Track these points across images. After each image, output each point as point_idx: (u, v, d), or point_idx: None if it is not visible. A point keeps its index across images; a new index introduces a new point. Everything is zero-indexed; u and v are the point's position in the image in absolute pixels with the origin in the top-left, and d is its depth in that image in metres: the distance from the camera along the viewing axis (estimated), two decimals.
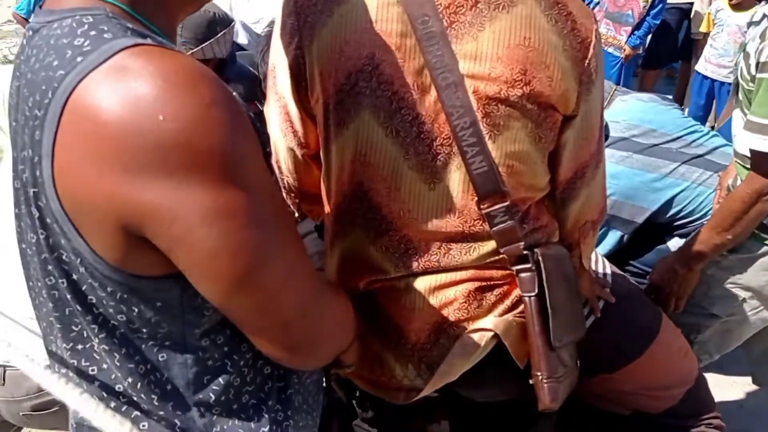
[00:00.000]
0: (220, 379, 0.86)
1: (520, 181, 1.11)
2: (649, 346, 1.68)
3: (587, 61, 1.09)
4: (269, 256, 0.75)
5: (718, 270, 1.90)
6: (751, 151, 1.66)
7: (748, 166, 1.73)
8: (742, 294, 1.90)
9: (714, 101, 4.49)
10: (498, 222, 1.10)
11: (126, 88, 0.66)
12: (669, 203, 2.06)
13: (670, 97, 2.38)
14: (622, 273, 1.86)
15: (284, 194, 1.33)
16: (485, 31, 1.03)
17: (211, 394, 0.86)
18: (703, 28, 4.82)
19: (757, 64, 1.63)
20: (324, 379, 1.22)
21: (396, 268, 1.15)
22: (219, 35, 2.12)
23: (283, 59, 1.10)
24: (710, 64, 4.46)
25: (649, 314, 1.77)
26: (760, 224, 1.77)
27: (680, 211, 2.05)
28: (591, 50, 1.09)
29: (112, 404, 0.84)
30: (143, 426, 0.85)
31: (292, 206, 1.36)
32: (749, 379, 2.46)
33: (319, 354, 0.89)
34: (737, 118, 1.79)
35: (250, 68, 2.41)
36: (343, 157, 1.11)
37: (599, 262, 1.79)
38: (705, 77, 4.51)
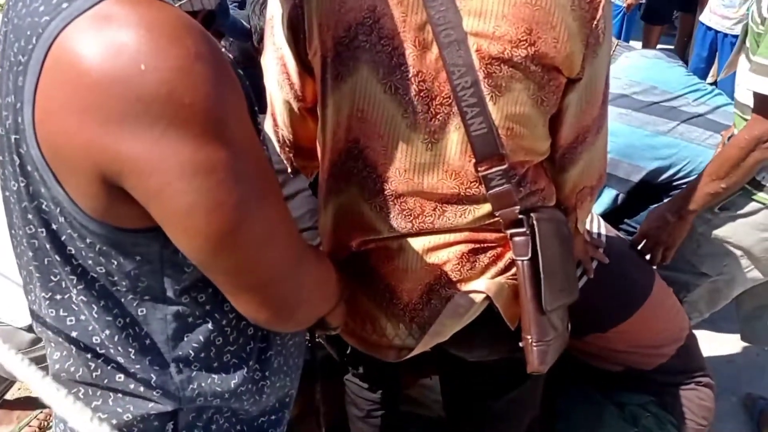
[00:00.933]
0: (200, 336, 0.86)
1: (519, 144, 1.09)
2: (641, 305, 1.70)
3: (595, 23, 1.04)
4: (249, 216, 0.74)
5: (708, 228, 1.90)
6: (755, 94, 1.63)
7: (748, 117, 1.71)
8: (732, 253, 1.90)
9: (717, 54, 4.42)
10: (494, 185, 1.08)
11: (109, 36, 0.65)
12: (666, 163, 2.05)
13: (675, 54, 2.33)
14: (616, 233, 1.86)
15: (278, 148, 1.32)
16: None
17: (190, 351, 0.86)
18: None
19: None
20: (309, 339, 1.24)
21: (390, 229, 1.14)
22: None
23: (281, 10, 1.07)
24: (715, 15, 4.37)
25: (642, 274, 1.78)
26: (752, 180, 1.75)
27: (678, 171, 2.04)
28: (600, 11, 1.04)
29: (89, 355, 0.85)
30: (119, 378, 0.86)
31: (285, 161, 1.35)
32: (738, 336, 2.50)
33: (298, 317, 0.89)
34: (742, 65, 1.76)
35: (244, 23, 2.35)
36: (340, 112, 1.09)
37: (594, 222, 1.79)
38: (709, 28, 4.41)
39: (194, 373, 0.87)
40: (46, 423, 2.26)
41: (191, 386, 0.88)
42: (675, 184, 2.06)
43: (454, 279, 1.15)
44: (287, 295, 0.84)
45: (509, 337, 1.19)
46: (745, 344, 2.56)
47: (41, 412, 2.26)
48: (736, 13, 4.23)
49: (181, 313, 0.85)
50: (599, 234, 1.76)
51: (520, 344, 1.18)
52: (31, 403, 2.31)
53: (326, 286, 0.94)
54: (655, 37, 5.47)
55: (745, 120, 1.72)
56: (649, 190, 2.10)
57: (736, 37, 4.25)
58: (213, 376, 0.89)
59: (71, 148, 0.68)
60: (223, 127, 0.70)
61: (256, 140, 0.78)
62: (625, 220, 2.16)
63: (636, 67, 2.12)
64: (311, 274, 0.88)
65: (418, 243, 1.15)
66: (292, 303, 0.85)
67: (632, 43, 4.63)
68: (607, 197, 2.15)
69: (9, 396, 2.15)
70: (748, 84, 1.64)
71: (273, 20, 1.12)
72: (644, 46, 4.97)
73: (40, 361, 1.66)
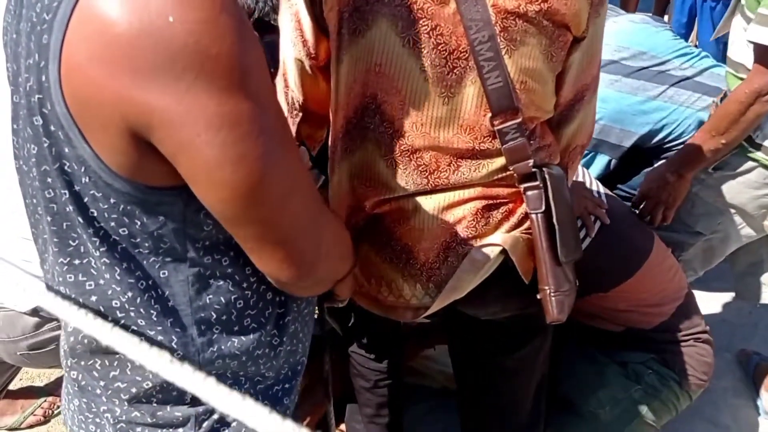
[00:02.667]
0: (222, 298, 0.87)
1: (531, 99, 1.12)
2: (642, 265, 1.74)
3: None
4: (273, 168, 0.75)
5: (702, 188, 1.93)
6: (756, 45, 1.63)
7: (742, 76, 1.72)
8: (726, 211, 1.94)
9: (696, 19, 4.45)
10: (509, 139, 1.11)
11: None
12: (657, 126, 2.07)
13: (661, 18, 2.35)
14: (613, 195, 1.89)
15: (287, 113, 1.32)
16: None
17: (212, 313, 0.87)
18: None
19: None
20: (318, 311, 1.25)
21: (405, 185, 1.16)
22: None
23: None
24: None
25: (642, 234, 1.81)
26: (746, 138, 1.78)
27: (669, 134, 2.07)
28: None
29: (109, 319, 0.85)
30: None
31: (293, 128, 1.35)
32: (731, 295, 2.55)
33: (318, 273, 0.89)
34: (737, 24, 1.77)
35: None
36: (357, 67, 1.10)
37: (593, 183, 1.81)
38: None
39: (215, 335, 0.89)
40: (50, 411, 2.26)
41: (211, 348, 0.88)
42: (666, 146, 2.08)
43: (470, 235, 1.18)
44: (309, 250, 0.85)
45: (521, 292, 1.22)
46: (738, 303, 2.63)
47: (45, 400, 2.27)
48: None
49: (202, 275, 0.85)
50: (599, 193, 1.79)
51: (538, 296, 1.20)
52: (35, 392, 2.31)
53: (343, 243, 0.96)
54: (632, 5, 5.49)
55: (740, 79, 1.74)
56: (641, 155, 2.13)
57: (715, 1, 4.27)
58: (233, 338, 0.90)
59: (99, 101, 0.69)
60: (248, 79, 0.71)
61: (276, 94, 0.79)
62: (619, 186, 2.19)
63: (624, 32, 2.13)
64: (330, 229, 0.90)
65: (432, 202, 1.17)
66: (313, 258, 0.86)
67: None
68: (600, 163, 2.18)
69: (12, 386, 2.14)
70: (748, 35, 1.64)
71: None
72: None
73: (44, 345, 1.68)
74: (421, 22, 1.04)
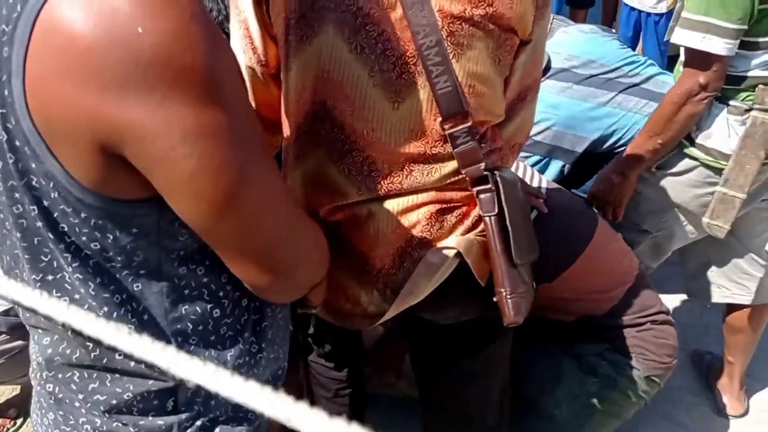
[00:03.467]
0: (197, 308, 0.86)
1: (480, 102, 1.13)
2: (583, 250, 1.75)
3: None
4: (251, 177, 0.74)
5: (646, 187, 1.98)
6: (684, 48, 1.70)
7: None
8: (670, 209, 1.99)
9: (641, 33, 4.59)
10: (461, 143, 1.11)
11: (102, 0, 0.63)
12: (607, 132, 2.13)
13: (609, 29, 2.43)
14: (559, 187, 1.92)
15: None
16: None
17: (188, 323, 0.85)
18: None
19: None
20: (292, 316, 1.23)
21: (358, 191, 1.15)
22: None
23: None
24: None
25: (583, 221, 1.83)
26: (687, 138, 1.83)
27: (619, 139, 2.13)
28: None
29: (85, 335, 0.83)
30: (118, 356, 0.84)
31: None
32: (682, 296, 2.61)
33: (297, 279, 0.89)
34: None
35: None
36: (305, 74, 1.10)
37: (535, 178, 1.85)
38: (632, 9, 4.58)
39: (192, 347, 0.87)
40: None
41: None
42: (617, 151, 2.14)
43: (425, 240, 1.18)
44: (287, 256, 0.84)
45: (479, 296, 1.22)
46: (690, 304, 2.69)
47: None
48: None
49: (177, 285, 0.83)
50: (539, 187, 1.83)
51: (494, 299, 1.21)
52: None
53: (320, 248, 0.95)
54: (580, 20, 5.64)
55: None
56: (593, 160, 2.18)
57: (659, 15, 4.42)
58: (210, 350, 0.88)
59: (67, 117, 0.66)
60: (221, 88, 0.69)
61: (248, 102, 0.78)
62: (573, 190, 2.24)
63: (574, 42, 2.20)
64: (307, 234, 0.89)
65: (386, 207, 1.16)
66: (291, 264, 0.86)
67: None
68: (554, 169, 2.22)
69: None
70: (673, 38, 1.70)
71: None
72: None
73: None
74: (367, 27, 1.04)
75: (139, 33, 0.62)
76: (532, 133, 1.82)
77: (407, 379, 2.07)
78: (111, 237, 0.77)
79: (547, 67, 2.06)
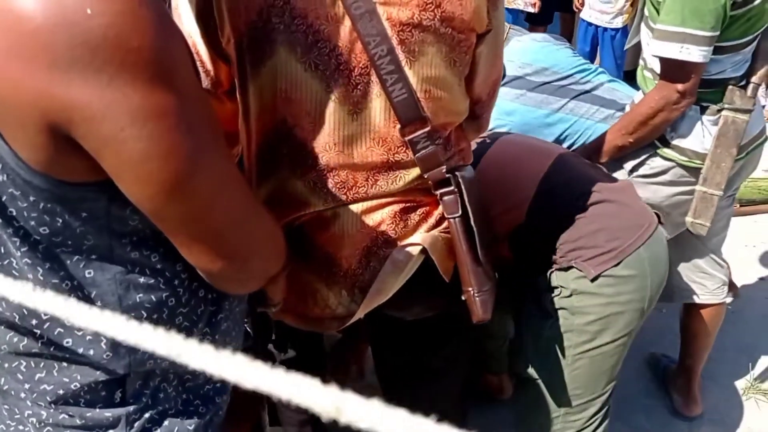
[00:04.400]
0: (152, 296, 0.85)
1: (439, 105, 1.14)
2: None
3: None
4: (201, 162, 0.74)
5: None
6: (660, 58, 1.75)
7: (656, 81, 1.83)
8: None
9: (598, 47, 4.69)
10: (420, 148, 1.12)
11: None
12: (560, 137, 2.17)
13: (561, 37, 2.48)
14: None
15: None
16: None
17: (143, 312, 0.84)
18: None
19: None
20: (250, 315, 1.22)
21: (324, 203, 1.16)
22: None
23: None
24: (594, 10, 4.64)
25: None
26: (662, 139, 1.88)
27: (572, 144, 2.16)
28: None
29: (33, 321, 0.82)
30: (67, 342, 0.83)
31: None
32: None
33: (251, 267, 0.89)
34: (644, 34, 1.89)
35: None
36: (263, 96, 1.10)
37: None
38: (589, 24, 4.69)
39: None
40: None
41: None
42: None
43: (390, 238, 1.19)
44: (240, 244, 0.84)
45: (444, 291, 1.24)
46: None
47: None
48: (613, 8, 4.52)
49: (131, 272, 0.83)
50: None
51: (462, 297, 1.22)
52: None
53: (276, 239, 0.95)
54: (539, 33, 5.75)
55: (654, 82, 1.85)
56: None
57: (615, 30, 4.53)
58: None
59: (16, 98, 0.66)
60: (172, 72, 0.70)
61: (202, 90, 0.78)
62: None
63: (528, 50, 2.24)
64: (262, 224, 0.89)
65: (351, 208, 1.17)
66: (245, 252, 0.85)
67: None
68: None
69: None
70: (653, 50, 1.76)
71: (179, 8, 1.11)
72: None
73: None
74: (319, 44, 1.05)
75: (88, 14, 0.63)
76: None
77: (370, 378, 2.06)
78: (60, 221, 0.76)
79: (503, 75, 2.09)
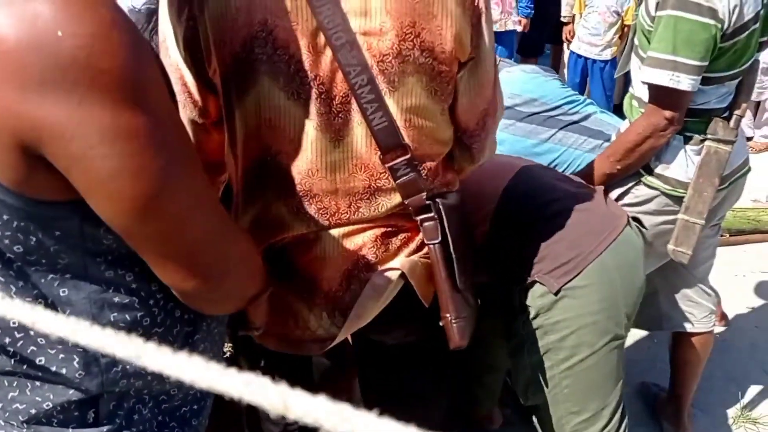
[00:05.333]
0: (127, 316, 0.85)
1: (422, 133, 1.16)
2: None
3: (476, 3, 1.12)
4: (173, 182, 0.75)
5: None
6: (650, 85, 1.77)
7: (642, 110, 1.85)
8: None
9: (588, 78, 4.77)
10: (401, 175, 1.14)
11: (23, 5, 0.65)
12: (549, 166, 2.19)
13: (551, 69, 2.53)
14: None
15: None
16: None
17: (117, 331, 0.85)
18: (575, 10, 5.08)
19: (657, 3, 1.73)
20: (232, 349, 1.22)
21: (307, 227, 1.17)
22: None
23: (174, 31, 1.09)
24: (583, 42, 4.73)
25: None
26: (647, 168, 1.90)
27: None
28: None
29: (7, 340, 0.82)
30: (39, 361, 0.83)
31: None
32: (630, 330, 2.65)
33: (226, 287, 0.89)
34: (634, 62, 1.92)
35: None
36: (248, 124, 1.12)
37: None
38: (579, 56, 4.77)
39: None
40: None
41: (115, 369, 0.86)
42: None
43: (371, 262, 1.20)
44: (213, 263, 0.85)
45: (424, 316, 1.24)
46: (637, 338, 2.74)
47: None
48: (602, 41, 4.60)
49: (105, 292, 0.83)
50: None
51: (440, 323, 1.23)
52: None
53: (251, 261, 0.95)
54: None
55: (640, 111, 1.88)
56: None
57: (604, 62, 4.61)
58: None
59: None
60: (143, 93, 0.71)
61: (175, 112, 0.80)
62: None
63: (517, 80, 2.27)
64: (237, 244, 0.90)
65: (333, 231, 1.19)
66: (218, 272, 0.86)
67: None
68: None
69: None
70: (643, 77, 1.78)
71: (167, 41, 1.13)
72: None
73: None
74: (300, 74, 1.07)
75: (58, 36, 0.65)
76: None
77: (358, 403, 2.05)
78: (34, 239, 0.77)
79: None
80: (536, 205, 1.59)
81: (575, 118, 2.23)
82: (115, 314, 0.85)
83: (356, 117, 1.11)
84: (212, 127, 1.22)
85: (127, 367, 0.86)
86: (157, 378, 0.90)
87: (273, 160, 1.14)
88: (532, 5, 5.09)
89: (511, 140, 2.17)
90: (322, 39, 1.06)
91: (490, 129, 1.29)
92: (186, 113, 1.20)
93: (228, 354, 2.09)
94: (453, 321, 1.22)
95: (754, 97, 4.76)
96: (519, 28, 4.94)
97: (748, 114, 5.05)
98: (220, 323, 1.03)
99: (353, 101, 1.09)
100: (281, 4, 1.04)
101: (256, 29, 1.04)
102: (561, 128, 2.20)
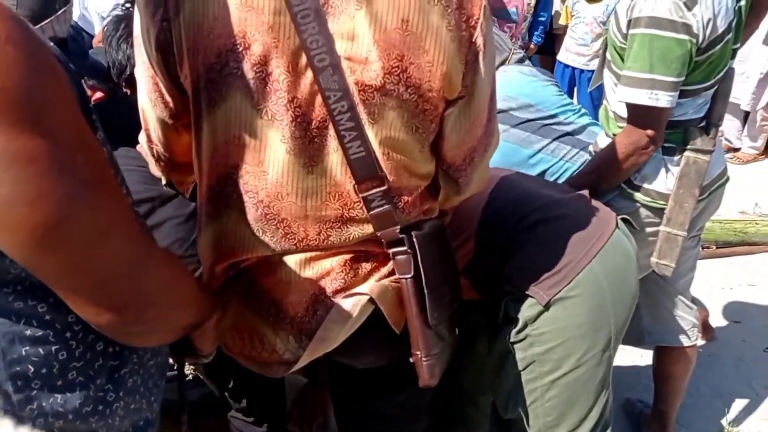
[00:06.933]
0: (41, 350, 0.80)
1: (399, 165, 1.10)
2: None
3: (474, 40, 1.06)
4: (77, 209, 0.70)
5: None
6: (628, 104, 1.76)
7: (621, 125, 1.84)
8: None
9: (576, 88, 4.76)
10: (375, 206, 1.09)
11: None
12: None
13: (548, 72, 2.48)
14: None
15: (153, 164, 1.27)
16: (362, 10, 0.99)
17: (29, 366, 0.79)
18: (562, 21, 5.07)
19: (629, 21, 1.72)
20: (178, 374, 1.18)
21: (272, 250, 1.12)
22: (59, 13, 1.96)
23: (147, 29, 1.03)
24: (570, 53, 4.72)
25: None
26: (628, 183, 1.88)
27: None
28: (478, 29, 1.05)
29: None
30: None
31: (162, 176, 1.30)
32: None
33: (150, 319, 0.84)
34: (608, 77, 1.90)
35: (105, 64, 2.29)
36: (216, 138, 1.07)
37: None
38: (566, 66, 4.76)
39: (34, 392, 0.80)
40: None
41: (30, 406, 0.80)
42: None
43: (338, 287, 1.14)
44: (129, 295, 0.79)
45: (395, 341, 1.19)
46: (622, 353, 2.70)
47: None
48: (589, 51, 4.59)
49: (15, 324, 0.78)
50: None
51: (411, 360, 1.18)
52: None
53: (180, 289, 0.90)
54: None
55: (618, 127, 1.87)
56: None
57: (591, 71, 4.59)
58: (56, 395, 0.81)
59: None
60: (42, 115, 0.66)
61: (86, 133, 0.74)
62: None
63: (513, 82, 2.20)
64: (158, 273, 0.84)
65: (300, 255, 1.13)
66: (136, 303, 0.80)
67: None
68: None
69: None
70: (619, 96, 1.77)
71: (140, 38, 1.08)
72: None
73: None
74: (277, 94, 1.02)
75: None
76: None
77: (333, 426, 2.01)
78: None
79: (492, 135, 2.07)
80: (518, 216, 1.54)
81: (569, 129, 2.18)
82: (27, 348, 0.79)
83: (332, 143, 1.05)
84: (183, 128, 1.16)
85: (44, 404, 0.81)
86: (81, 417, 0.84)
87: (240, 179, 1.08)
88: (544, 35, 5.06)
89: (503, 148, 2.11)
90: (303, 59, 1.00)
91: (478, 164, 1.22)
92: (156, 112, 1.14)
93: (190, 375, 2.05)
94: (423, 359, 1.17)
95: (744, 107, 4.77)
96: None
97: (737, 125, 5.05)
98: (157, 354, 0.97)
99: (331, 127, 1.04)
100: (263, 18, 0.98)
101: (233, 41, 0.99)
102: (555, 138, 2.14)
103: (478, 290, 1.59)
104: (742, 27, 1.83)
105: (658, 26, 1.65)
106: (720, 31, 1.70)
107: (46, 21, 1.91)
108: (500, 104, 2.12)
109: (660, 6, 1.65)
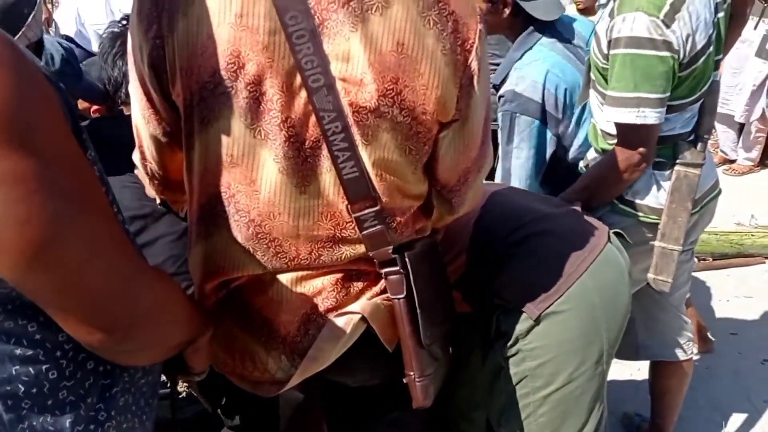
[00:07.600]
0: (31, 369, 0.80)
1: (392, 186, 1.10)
2: None
3: (469, 63, 1.06)
4: (67, 230, 0.70)
5: None
6: (616, 124, 1.76)
7: (611, 142, 1.84)
8: None
9: None
10: (368, 226, 1.08)
11: None
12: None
13: None
14: None
15: (147, 182, 1.27)
16: (357, 32, 0.99)
17: (20, 386, 0.79)
18: None
19: (609, 42, 1.73)
20: (171, 392, 1.17)
21: (263, 269, 1.12)
22: (30, 20, 1.93)
23: (140, 46, 1.03)
24: None
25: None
26: (620, 197, 1.88)
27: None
28: (473, 53, 1.05)
29: None
30: None
31: (156, 195, 1.30)
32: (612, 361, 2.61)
33: (142, 338, 0.83)
34: (593, 97, 1.91)
35: (99, 83, 2.29)
36: (208, 157, 1.06)
37: None
38: None
39: (24, 411, 0.80)
40: None
41: (21, 426, 0.80)
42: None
43: (330, 306, 1.14)
44: (120, 313, 0.79)
45: (389, 359, 1.18)
46: (619, 367, 2.69)
47: None
48: None
49: (5, 343, 0.78)
50: None
51: (404, 380, 1.17)
52: None
53: (172, 307, 0.90)
54: None
55: (607, 143, 1.87)
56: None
57: None
58: (46, 415, 0.81)
59: None
60: (31, 135, 0.66)
61: (75, 153, 0.74)
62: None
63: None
64: (149, 291, 0.84)
65: (291, 274, 1.13)
66: (128, 322, 0.80)
67: None
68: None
69: None
70: (607, 117, 1.78)
71: (134, 53, 1.08)
72: None
73: None
74: (271, 114, 1.01)
75: None
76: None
77: None
78: None
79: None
80: (509, 230, 1.53)
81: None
82: (17, 367, 0.79)
83: (326, 164, 1.05)
84: (176, 145, 1.16)
85: (34, 424, 0.81)
86: None
87: (231, 198, 1.08)
88: None
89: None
90: (298, 79, 1.00)
91: (472, 184, 1.22)
92: (150, 129, 1.14)
93: (183, 393, 2.05)
94: (417, 380, 1.16)
95: (737, 119, 4.78)
96: None
97: (732, 136, 5.06)
98: (149, 373, 0.97)
99: (324, 147, 1.03)
100: (257, 38, 0.98)
101: (226, 61, 0.98)
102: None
103: (470, 303, 1.58)
104: (723, 39, 1.84)
105: (638, 46, 1.66)
106: (700, 46, 1.70)
107: (20, 32, 1.88)
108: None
109: (638, 25, 1.66)
